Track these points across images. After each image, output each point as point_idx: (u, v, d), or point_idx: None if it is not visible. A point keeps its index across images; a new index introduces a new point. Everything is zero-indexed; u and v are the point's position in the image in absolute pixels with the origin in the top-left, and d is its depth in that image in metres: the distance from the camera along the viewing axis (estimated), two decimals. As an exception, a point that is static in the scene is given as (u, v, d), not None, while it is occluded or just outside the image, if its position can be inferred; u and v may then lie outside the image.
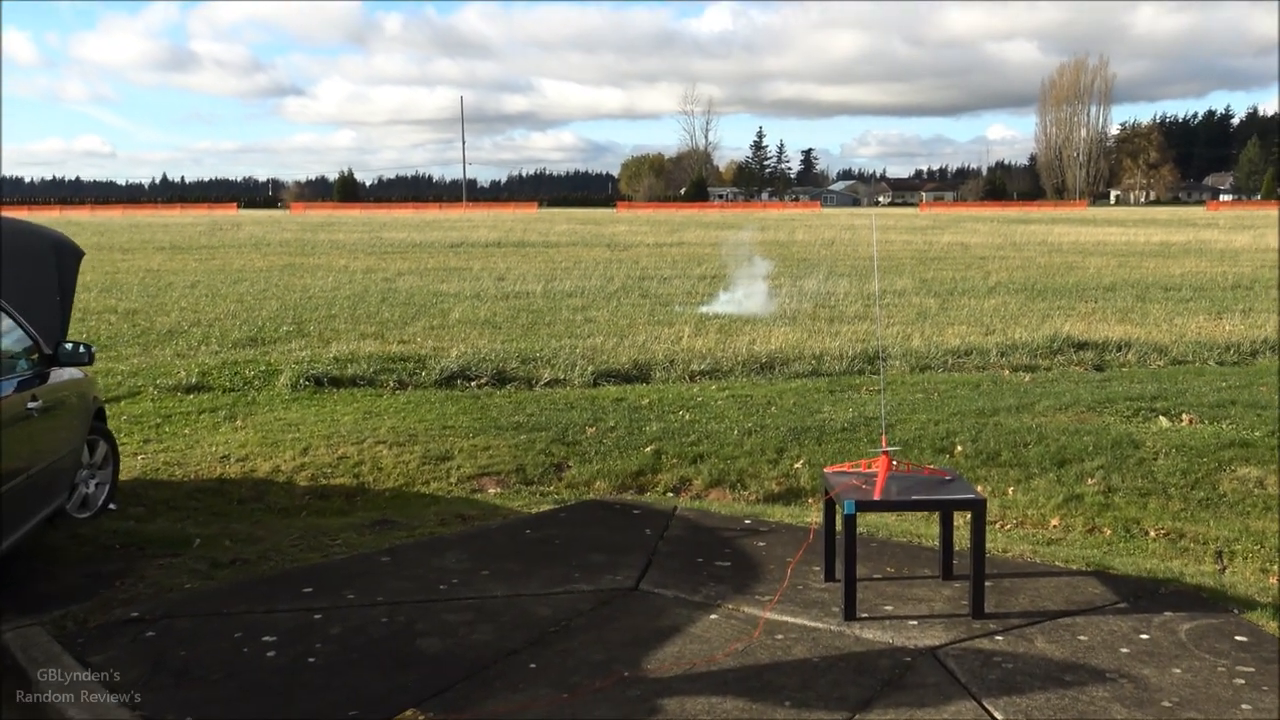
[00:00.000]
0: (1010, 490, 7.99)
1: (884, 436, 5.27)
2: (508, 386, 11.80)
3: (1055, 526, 7.38)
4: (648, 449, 8.99)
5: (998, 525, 7.41)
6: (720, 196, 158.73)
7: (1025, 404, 10.18)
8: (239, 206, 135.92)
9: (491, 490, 8.28)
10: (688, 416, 10.12)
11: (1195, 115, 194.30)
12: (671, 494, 8.34)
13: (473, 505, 7.69)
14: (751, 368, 12.70)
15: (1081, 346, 13.67)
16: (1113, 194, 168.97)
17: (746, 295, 19.85)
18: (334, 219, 79.42)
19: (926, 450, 8.74)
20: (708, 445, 9.05)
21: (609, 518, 6.55)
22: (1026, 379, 11.94)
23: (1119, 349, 13.57)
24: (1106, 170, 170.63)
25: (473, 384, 11.85)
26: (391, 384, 11.75)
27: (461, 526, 6.76)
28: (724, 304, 19.36)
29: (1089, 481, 7.99)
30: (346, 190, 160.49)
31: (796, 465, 8.60)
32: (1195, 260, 31.88)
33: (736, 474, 8.51)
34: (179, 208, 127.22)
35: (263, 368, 12.43)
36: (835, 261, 30.86)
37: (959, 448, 8.77)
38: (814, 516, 7.07)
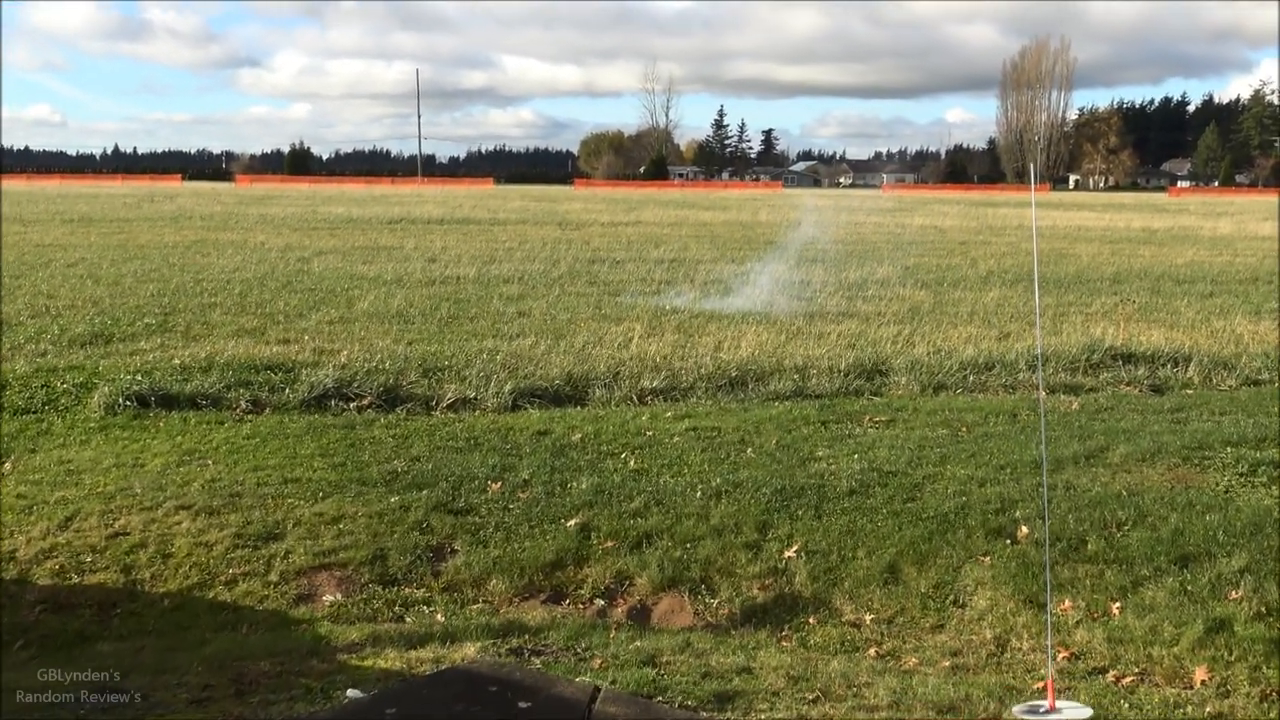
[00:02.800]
0: (1115, 607, 5.27)
1: (1050, 681, 2.38)
2: (398, 410, 8.95)
3: (1205, 684, 4.66)
4: (572, 522, 6.20)
5: (1110, 677, 4.70)
6: (681, 175, 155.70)
7: (1093, 451, 7.46)
8: (184, 178, 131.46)
9: (327, 597, 5.46)
10: (633, 463, 7.33)
11: (1152, 101, 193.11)
12: (602, 600, 5.56)
13: (279, 640, 4.86)
14: (718, 383, 9.92)
15: (1127, 359, 10.98)
16: (1071, 178, 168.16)
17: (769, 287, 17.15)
18: (278, 192, 75.61)
19: (976, 531, 6.00)
20: (659, 516, 6.28)
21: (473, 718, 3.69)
22: (1074, 405, 9.24)
23: (1173, 363, 10.90)
24: (1066, 155, 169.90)
25: (352, 405, 8.98)
26: (243, 405, 8.87)
27: (224, 713, 3.91)
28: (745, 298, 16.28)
29: (1233, 595, 5.28)
30: (298, 163, 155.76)
31: (788, 554, 5.85)
32: (1190, 248, 29.45)
33: (700, 567, 5.75)
34: (121, 178, 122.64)
35: (81, 379, 9.51)
36: (804, 245, 28.13)
37: (1023, 528, 6.04)
38: (831, 680, 4.30)
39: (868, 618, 5.30)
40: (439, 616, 5.22)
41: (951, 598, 5.46)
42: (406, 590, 5.54)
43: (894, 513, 6.28)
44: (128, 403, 8.72)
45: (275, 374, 9.81)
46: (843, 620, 5.29)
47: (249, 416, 8.63)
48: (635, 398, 9.40)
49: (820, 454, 7.52)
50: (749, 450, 7.64)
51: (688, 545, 5.93)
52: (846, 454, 7.50)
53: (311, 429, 8.14)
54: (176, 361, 10.24)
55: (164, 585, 5.51)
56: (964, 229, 37.38)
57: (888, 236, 32.63)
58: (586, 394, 9.54)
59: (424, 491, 6.62)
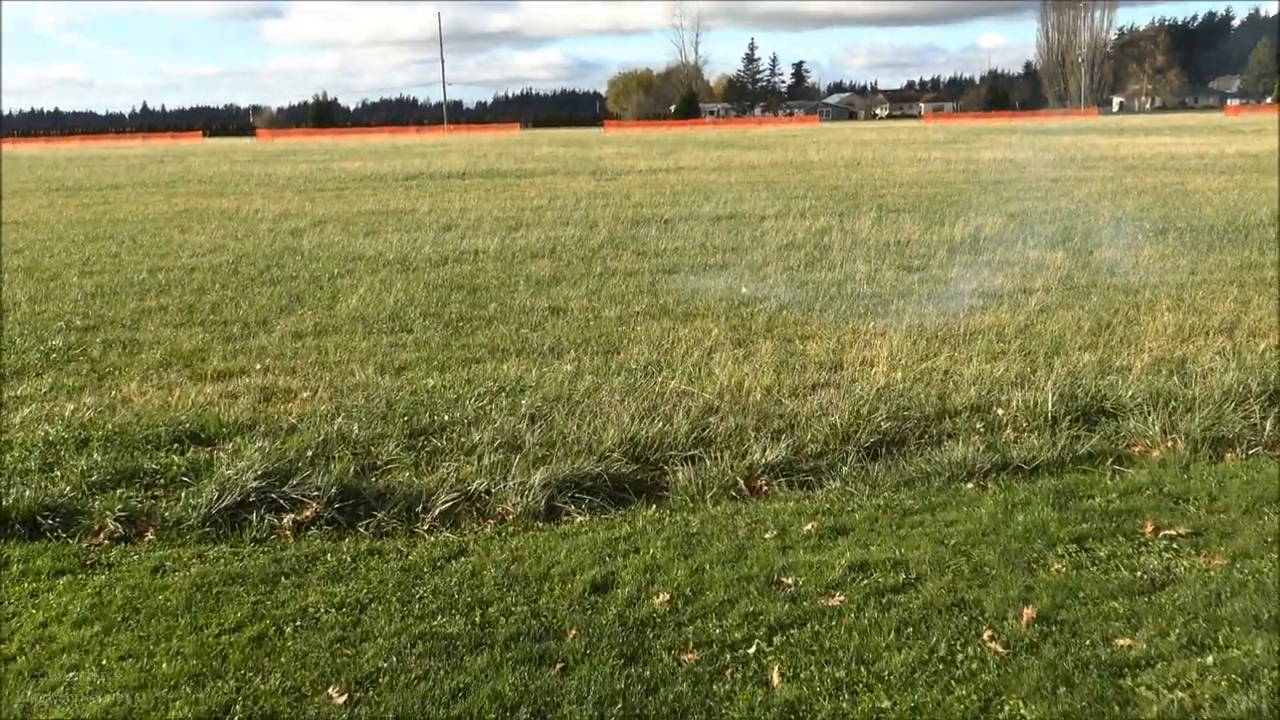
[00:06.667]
0: None
1: None
2: (360, 527, 5.49)
3: None
4: None
5: None
6: (712, 113, 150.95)
7: None
8: (205, 134, 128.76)
9: None
10: (777, 681, 3.84)
11: (1195, 18, 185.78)
12: None
13: None
14: (863, 445, 6.40)
15: None
16: (1115, 101, 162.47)
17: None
18: (297, 147, 72.21)
19: None
20: None
21: None
22: None
23: None
24: (1110, 76, 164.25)
25: (286, 520, 5.53)
26: (110, 526, 5.44)
27: None
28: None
29: None
30: (321, 115, 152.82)
31: None
32: (1322, 177, 25.42)
33: None
34: (140, 138, 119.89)
35: (-121, 475, 6.13)
36: (876, 190, 24.33)
37: None
38: None
39: None
40: None
41: None
42: None
43: None
44: (-81, 533, 5.33)
45: (182, 454, 6.39)
46: None
47: (113, 549, 5.21)
48: (742, 483, 5.88)
49: (1125, 644, 3.99)
50: (985, 634, 4.12)
51: None
52: (1178, 646, 3.96)
53: (200, 592, 4.68)
54: (44, 430, 6.83)
55: None
56: (1044, 162, 33.36)
57: (964, 174, 28.74)
58: (662, 475, 6.04)
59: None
